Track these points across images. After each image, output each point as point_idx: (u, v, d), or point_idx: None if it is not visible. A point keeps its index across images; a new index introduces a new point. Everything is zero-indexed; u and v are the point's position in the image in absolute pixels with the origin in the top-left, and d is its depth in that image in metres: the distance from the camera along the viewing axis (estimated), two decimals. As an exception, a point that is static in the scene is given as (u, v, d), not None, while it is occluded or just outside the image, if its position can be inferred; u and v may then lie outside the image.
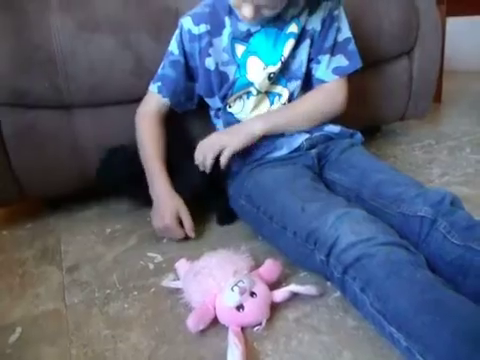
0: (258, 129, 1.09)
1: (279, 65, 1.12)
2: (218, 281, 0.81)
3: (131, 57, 1.22)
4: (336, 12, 1.13)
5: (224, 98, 1.16)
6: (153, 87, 1.20)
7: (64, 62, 1.16)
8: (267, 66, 1.12)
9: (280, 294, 0.84)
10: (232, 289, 0.79)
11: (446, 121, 1.97)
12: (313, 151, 1.12)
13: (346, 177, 1.05)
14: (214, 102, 1.20)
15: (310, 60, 1.15)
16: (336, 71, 1.15)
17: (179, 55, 1.16)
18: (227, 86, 1.14)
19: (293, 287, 0.84)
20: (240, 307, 0.78)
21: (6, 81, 1.14)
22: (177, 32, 1.17)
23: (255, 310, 0.79)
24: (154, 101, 1.21)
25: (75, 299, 0.93)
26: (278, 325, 0.80)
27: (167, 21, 1.25)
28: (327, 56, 1.13)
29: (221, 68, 1.14)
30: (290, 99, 1.16)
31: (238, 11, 1.06)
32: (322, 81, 1.15)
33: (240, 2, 1.01)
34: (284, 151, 1.11)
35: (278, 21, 1.11)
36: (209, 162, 1.09)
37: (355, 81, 1.21)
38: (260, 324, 0.79)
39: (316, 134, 1.14)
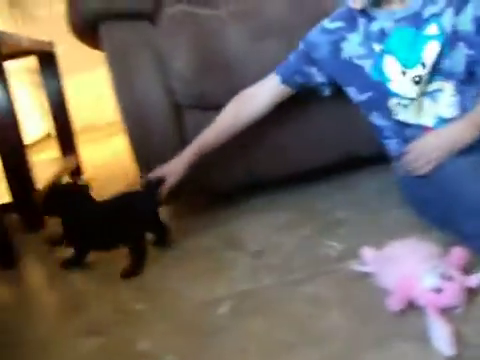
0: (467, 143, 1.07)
1: (420, 68, 1.09)
2: (413, 264, 0.85)
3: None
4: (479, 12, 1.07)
5: (362, 91, 1.20)
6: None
7: (238, 67, 1.28)
8: (406, 69, 1.11)
9: (475, 279, 0.85)
10: (431, 272, 0.82)
11: None
12: None
13: None
14: (351, 92, 1.24)
15: (474, 62, 1.09)
16: None
17: (302, 45, 1.25)
18: (366, 83, 1.17)
19: None
20: (439, 290, 0.81)
21: (191, 85, 1.28)
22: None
23: (453, 293, 0.81)
24: (266, 80, 1.28)
25: (267, 281, 1.02)
26: (475, 309, 0.82)
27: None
28: None
29: (356, 61, 1.17)
30: (459, 91, 1.12)
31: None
32: None
33: None
34: None
35: (416, 19, 1.10)
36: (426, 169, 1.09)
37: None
38: (457, 307, 0.81)
39: None
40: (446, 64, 1.10)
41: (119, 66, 1.29)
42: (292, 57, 1.27)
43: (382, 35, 1.13)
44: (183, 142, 1.34)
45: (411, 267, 0.85)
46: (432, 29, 1.09)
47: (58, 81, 2.35)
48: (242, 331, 0.88)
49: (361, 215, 1.23)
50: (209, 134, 1.28)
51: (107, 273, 1.21)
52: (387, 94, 1.15)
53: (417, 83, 1.11)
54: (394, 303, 0.83)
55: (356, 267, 0.97)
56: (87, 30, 1.38)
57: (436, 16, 1.09)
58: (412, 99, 1.13)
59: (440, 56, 1.09)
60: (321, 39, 1.22)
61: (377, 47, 1.14)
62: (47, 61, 2.33)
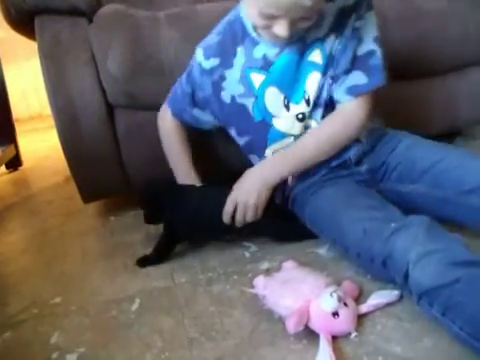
0: (268, 188, 1.08)
1: (304, 104, 1.05)
2: (312, 288, 0.85)
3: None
4: (358, 23, 1.00)
5: (241, 134, 1.17)
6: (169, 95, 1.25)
7: (171, 70, 1.30)
8: (290, 103, 1.07)
9: (365, 307, 0.87)
10: (331, 295, 0.83)
11: None
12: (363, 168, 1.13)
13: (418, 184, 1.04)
14: (232, 132, 1.20)
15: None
16: (351, 91, 1.02)
17: (186, 84, 1.19)
18: (246, 125, 1.13)
19: (376, 301, 0.88)
20: (336, 314, 0.82)
21: (122, 86, 1.29)
22: (191, 61, 1.18)
23: (348, 319, 0.83)
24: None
25: (182, 279, 1.07)
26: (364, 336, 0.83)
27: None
28: (343, 73, 1.02)
29: (239, 100, 1.12)
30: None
31: (266, 33, 0.98)
32: (338, 102, 1.05)
33: (269, 21, 0.92)
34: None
35: (300, 45, 1.02)
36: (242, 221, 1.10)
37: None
38: (349, 333, 0.82)
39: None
40: (323, 95, 1.06)
41: (50, 62, 1.28)
42: (179, 91, 1.21)
43: (265, 63, 1.06)
44: (115, 142, 1.36)
45: (310, 289, 0.85)
46: (315, 56, 1.03)
47: (-2, 69, 2.31)
48: (149, 327, 0.92)
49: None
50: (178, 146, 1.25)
51: (27, 267, 1.24)
52: (267, 137, 1.11)
53: (301, 120, 1.08)
54: (293, 325, 0.81)
55: (248, 290, 0.95)
56: (23, 21, 1.37)
57: (320, 41, 1.02)
58: (294, 136, 1.10)
59: (320, 88, 1.05)
60: (203, 80, 1.14)
61: (258, 79, 1.07)
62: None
